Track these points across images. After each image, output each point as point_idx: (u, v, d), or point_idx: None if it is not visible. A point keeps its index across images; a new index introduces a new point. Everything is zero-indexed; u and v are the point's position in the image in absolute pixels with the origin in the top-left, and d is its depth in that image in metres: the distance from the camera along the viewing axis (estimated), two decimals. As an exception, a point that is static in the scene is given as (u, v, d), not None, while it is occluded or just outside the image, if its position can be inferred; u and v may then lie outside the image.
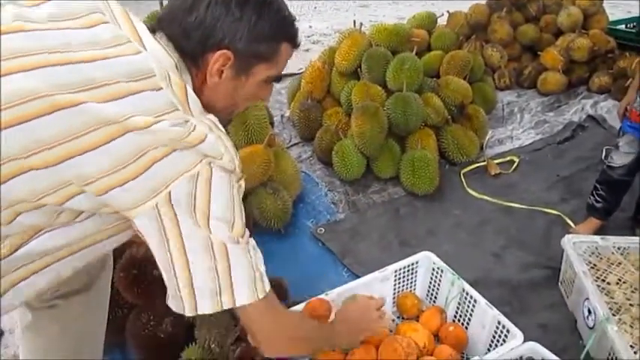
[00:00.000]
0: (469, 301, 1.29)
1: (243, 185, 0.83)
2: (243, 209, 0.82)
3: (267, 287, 0.87)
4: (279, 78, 0.91)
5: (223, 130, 0.80)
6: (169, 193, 0.74)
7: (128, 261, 1.24)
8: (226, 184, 0.78)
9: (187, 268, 0.79)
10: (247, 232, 0.83)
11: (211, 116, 0.80)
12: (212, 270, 0.80)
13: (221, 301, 0.81)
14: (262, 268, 0.87)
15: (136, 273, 1.22)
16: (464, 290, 1.30)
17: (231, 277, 0.81)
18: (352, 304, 1.15)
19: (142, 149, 0.72)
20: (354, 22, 2.26)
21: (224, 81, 0.84)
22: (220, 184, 0.77)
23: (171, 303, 0.84)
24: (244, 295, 0.83)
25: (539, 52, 2.97)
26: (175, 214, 0.75)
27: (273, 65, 0.87)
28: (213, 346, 1.19)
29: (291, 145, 2.21)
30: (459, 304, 1.32)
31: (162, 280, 1.23)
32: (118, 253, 1.28)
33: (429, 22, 2.61)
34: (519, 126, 2.52)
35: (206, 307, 0.82)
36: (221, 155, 0.76)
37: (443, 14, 2.80)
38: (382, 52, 2.10)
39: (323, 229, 1.74)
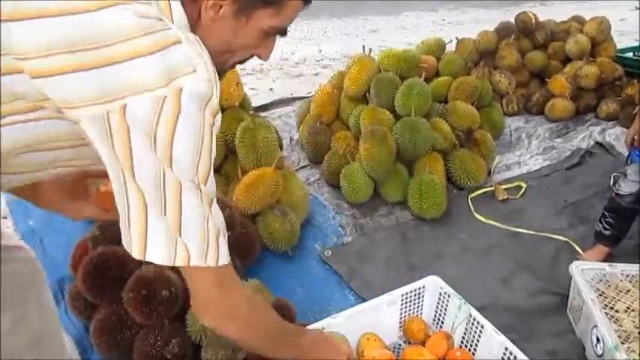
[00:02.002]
0: (476, 327, 1.28)
1: (218, 122, 0.70)
2: (214, 152, 0.70)
3: (226, 256, 0.74)
4: (283, 32, 0.80)
5: (207, 53, 0.68)
6: (125, 106, 0.62)
7: (137, 281, 1.25)
8: (197, 122, 0.66)
9: (142, 200, 0.66)
10: (213, 188, 0.71)
11: (196, 36, 0.69)
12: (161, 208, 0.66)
13: (175, 252, 0.68)
14: (223, 232, 0.74)
15: (144, 293, 1.23)
16: (471, 315, 1.29)
17: (180, 225, 0.68)
18: (335, 339, 1.11)
19: (100, 40, 0.62)
20: (363, 47, 2.29)
21: (221, 19, 0.73)
22: (190, 122, 0.65)
23: (123, 238, 0.70)
24: (196, 252, 0.70)
25: (547, 79, 2.99)
26: (128, 130, 0.63)
27: (278, 14, 0.76)
28: (219, 367, 1.19)
29: (300, 168, 2.23)
30: (466, 329, 1.32)
31: (170, 301, 1.24)
32: (127, 273, 1.29)
33: (437, 48, 2.65)
34: (527, 152, 2.53)
35: (156, 256, 0.68)
36: (194, 68, 0.65)
37: (451, 41, 2.84)
38: (391, 78, 2.13)
39: (330, 252, 1.75)
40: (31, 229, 1.87)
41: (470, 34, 3.12)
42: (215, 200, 0.73)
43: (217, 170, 1.85)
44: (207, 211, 0.70)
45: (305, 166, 2.25)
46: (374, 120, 2.02)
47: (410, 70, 2.19)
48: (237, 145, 1.75)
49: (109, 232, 1.43)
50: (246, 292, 0.91)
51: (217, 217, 0.73)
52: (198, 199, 0.69)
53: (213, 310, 0.80)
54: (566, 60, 3.03)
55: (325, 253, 1.74)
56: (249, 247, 1.61)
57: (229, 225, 1.45)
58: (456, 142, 2.11)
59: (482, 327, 1.26)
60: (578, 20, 3.18)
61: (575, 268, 1.49)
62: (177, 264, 0.69)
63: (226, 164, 1.85)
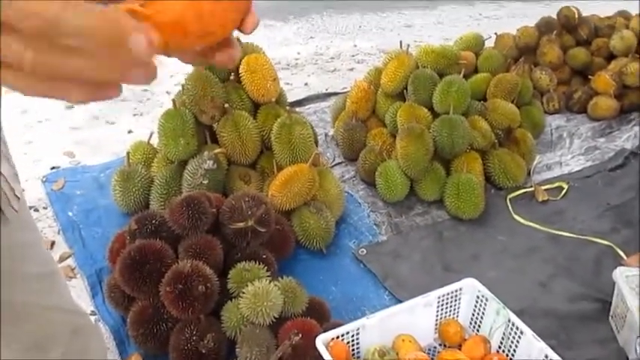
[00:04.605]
0: (515, 332, 1.25)
1: None
2: None
3: None
4: None
5: None
6: None
7: (173, 276, 1.26)
8: None
9: None
10: None
11: None
12: None
13: None
14: None
15: (180, 288, 1.24)
16: (509, 320, 1.26)
17: None
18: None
19: None
20: (400, 43, 2.26)
21: None
22: None
23: None
24: None
25: (590, 76, 2.90)
26: None
27: None
28: (253, 364, 1.20)
29: (335, 165, 2.21)
30: (504, 334, 1.29)
31: (206, 296, 1.25)
32: (164, 267, 1.31)
33: (476, 44, 2.59)
34: (568, 151, 2.45)
35: None
36: None
37: (490, 37, 2.77)
38: (429, 74, 2.09)
39: (365, 251, 1.73)
40: (71, 220, 1.91)
41: (508, 29, 3.04)
42: None
43: (253, 165, 1.85)
44: None
45: (340, 163, 2.23)
46: (411, 117, 1.99)
47: (448, 67, 2.15)
48: (273, 141, 1.75)
49: (147, 226, 1.44)
50: None
51: None
52: None
53: None
54: (611, 57, 2.92)
55: (360, 251, 1.73)
56: (284, 243, 1.61)
57: (265, 222, 1.46)
58: (495, 140, 2.06)
59: (522, 332, 1.23)
60: (624, 15, 3.07)
61: (620, 274, 1.44)
62: None
63: (262, 159, 1.85)
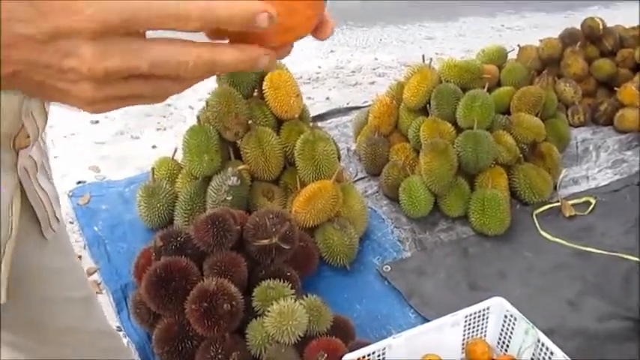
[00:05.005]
0: (545, 353, 1.23)
1: None
2: None
3: None
4: None
5: None
6: None
7: (199, 294, 1.27)
8: None
9: None
10: None
11: None
12: None
13: None
14: None
15: (206, 306, 1.24)
16: (539, 340, 1.24)
17: None
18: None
19: None
20: (423, 57, 2.25)
21: None
22: None
23: None
24: None
25: (615, 88, 2.85)
26: None
27: None
28: (279, 384, 1.19)
29: (357, 180, 2.21)
30: (534, 355, 1.26)
31: (231, 314, 1.25)
32: (190, 284, 1.31)
33: (499, 56, 2.57)
34: (595, 165, 2.41)
35: None
36: None
37: (513, 49, 2.75)
38: (452, 89, 2.08)
39: (389, 267, 1.72)
40: (97, 235, 1.93)
41: (530, 40, 3.01)
42: None
43: (276, 181, 1.85)
44: None
45: (363, 178, 2.22)
46: (435, 132, 1.97)
47: (472, 81, 2.14)
48: (297, 157, 1.75)
49: (172, 243, 1.45)
50: None
51: None
52: None
53: None
54: (637, 68, 2.87)
55: (384, 268, 1.72)
56: (307, 260, 1.60)
57: (289, 239, 1.46)
58: (520, 155, 2.04)
59: (552, 353, 1.21)
60: (651, 26, 3.02)
61: (653, 293, 1.41)
62: None
63: (285, 175, 1.86)
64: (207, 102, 1.81)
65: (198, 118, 1.80)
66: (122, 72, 0.36)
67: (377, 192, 2.13)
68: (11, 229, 0.63)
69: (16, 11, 0.34)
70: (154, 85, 0.39)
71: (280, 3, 0.42)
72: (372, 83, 3.55)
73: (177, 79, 0.39)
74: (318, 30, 0.46)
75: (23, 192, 0.67)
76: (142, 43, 0.37)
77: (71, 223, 2.08)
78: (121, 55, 0.36)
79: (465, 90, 2.11)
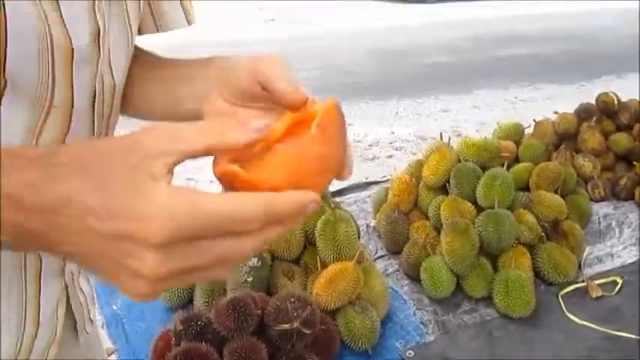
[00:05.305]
0: None
1: None
2: None
3: None
4: None
5: None
6: None
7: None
8: None
9: None
10: None
11: None
12: None
13: None
14: None
15: None
16: None
17: None
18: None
19: None
20: (441, 135, 2.29)
21: None
22: None
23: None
24: None
25: (634, 162, 2.85)
26: None
27: None
28: None
29: (377, 258, 2.19)
30: None
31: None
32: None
33: (515, 132, 2.61)
34: (619, 242, 2.37)
35: None
36: None
37: (530, 125, 2.79)
38: (471, 168, 2.09)
39: (412, 353, 1.67)
40: (115, 313, 1.92)
41: (544, 112, 3.05)
42: None
43: (296, 261, 1.85)
44: None
45: (383, 256, 2.21)
46: (455, 211, 1.97)
47: (491, 160, 2.15)
48: (318, 237, 1.76)
49: (192, 327, 1.44)
50: None
51: None
52: None
53: None
54: (655, 141, 2.88)
55: (407, 353, 1.67)
56: (329, 344, 1.57)
57: (310, 323, 1.44)
58: (543, 234, 2.02)
59: None
60: (666, 99, 3.05)
61: (691, 385, 1.34)
62: None
63: (305, 255, 1.85)
64: (229, 182, 1.83)
65: (220, 198, 1.82)
66: (182, 272, 0.38)
67: (397, 270, 2.11)
68: (55, 333, 0.64)
69: (89, 208, 0.37)
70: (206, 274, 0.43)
71: (296, 174, 0.46)
72: (390, 157, 3.60)
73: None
74: (340, 175, 0.52)
75: (67, 296, 0.69)
76: (205, 244, 0.39)
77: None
78: (184, 258, 0.38)
79: (483, 168, 2.12)
